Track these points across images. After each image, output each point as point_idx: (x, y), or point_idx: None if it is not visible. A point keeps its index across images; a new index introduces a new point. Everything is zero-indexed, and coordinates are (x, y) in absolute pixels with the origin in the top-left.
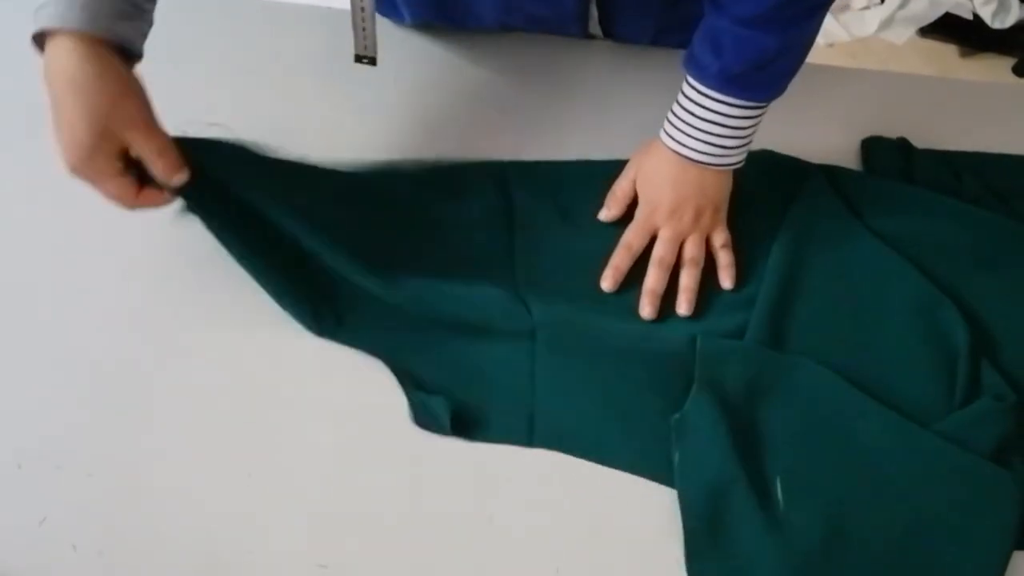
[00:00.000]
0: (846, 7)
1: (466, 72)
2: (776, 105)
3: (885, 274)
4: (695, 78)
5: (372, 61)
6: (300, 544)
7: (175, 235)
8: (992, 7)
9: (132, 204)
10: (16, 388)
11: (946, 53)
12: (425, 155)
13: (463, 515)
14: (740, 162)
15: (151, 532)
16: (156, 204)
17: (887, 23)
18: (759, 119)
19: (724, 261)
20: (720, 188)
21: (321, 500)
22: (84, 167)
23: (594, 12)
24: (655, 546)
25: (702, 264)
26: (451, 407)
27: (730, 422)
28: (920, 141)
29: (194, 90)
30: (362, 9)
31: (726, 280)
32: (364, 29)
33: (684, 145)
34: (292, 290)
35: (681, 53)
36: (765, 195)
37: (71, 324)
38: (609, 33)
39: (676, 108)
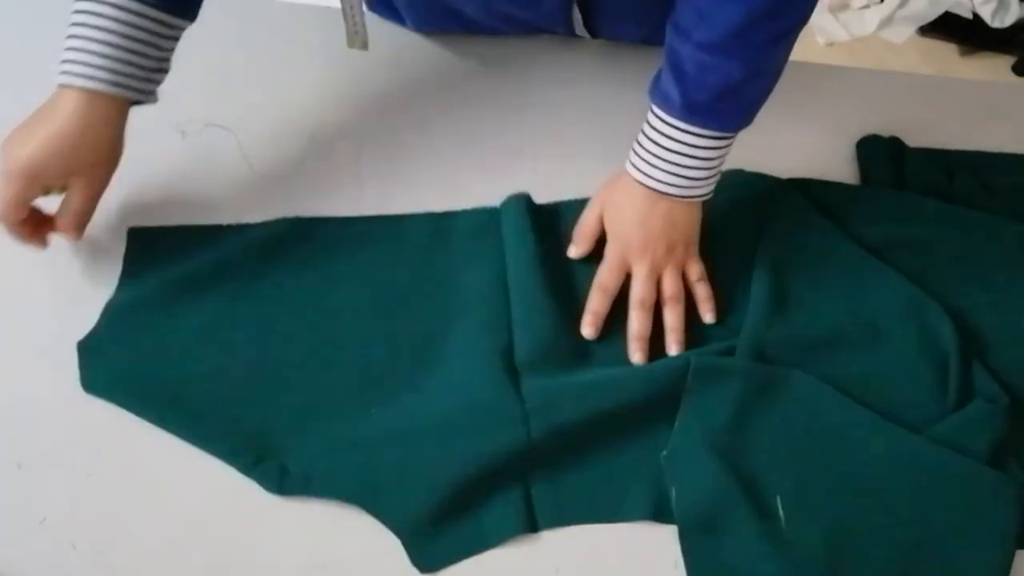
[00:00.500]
0: (845, 6)
1: (467, 73)
2: (775, 105)
3: (870, 281)
4: (660, 108)
5: (364, 46)
6: (300, 544)
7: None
8: (992, 6)
9: (8, 223)
10: (16, 388)
11: (946, 52)
12: (423, 153)
13: None
14: (709, 193)
15: (151, 532)
16: (21, 241)
17: (887, 22)
18: (728, 148)
19: (702, 294)
20: (691, 221)
21: (321, 500)
22: (22, 176)
23: (577, 16)
24: (655, 546)
25: (684, 300)
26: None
27: (722, 446)
28: (920, 140)
29: (193, 90)
30: None
31: (707, 314)
32: (353, 17)
33: (651, 177)
34: (250, 450)
35: None
36: (741, 215)
37: (71, 324)
38: (596, 35)
39: (642, 138)
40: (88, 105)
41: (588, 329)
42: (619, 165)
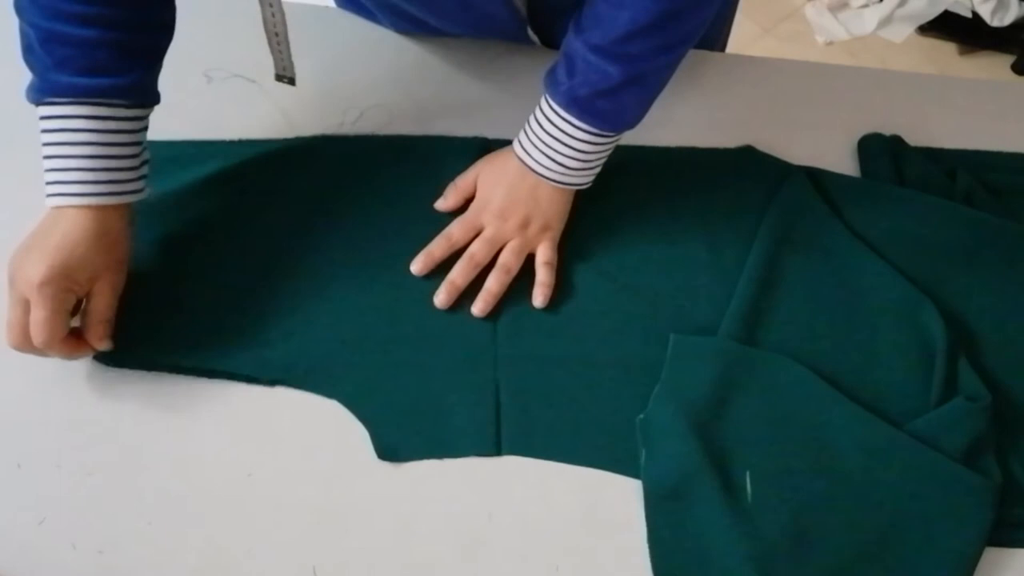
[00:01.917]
0: (845, 5)
1: (460, 76)
2: (775, 103)
3: (864, 274)
4: (548, 93)
5: (291, 81)
6: (300, 543)
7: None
8: (991, 5)
9: (56, 340)
10: (16, 388)
11: (945, 51)
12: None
13: (462, 513)
14: (581, 184)
15: (151, 532)
16: (70, 357)
17: (886, 21)
18: (604, 148)
19: (542, 278)
20: (554, 204)
21: (320, 500)
22: (51, 287)
23: (534, 35)
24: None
25: (514, 274)
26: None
27: (697, 418)
28: (919, 139)
29: (192, 91)
30: (276, 35)
31: (538, 297)
32: (280, 52)
33: (528, 154)
34: (237, 336)
35: None
36: (746, 193)
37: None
38: (551, 44)
39: (531, 119)
40: (91, 216)
41: (416, 266)
42: None
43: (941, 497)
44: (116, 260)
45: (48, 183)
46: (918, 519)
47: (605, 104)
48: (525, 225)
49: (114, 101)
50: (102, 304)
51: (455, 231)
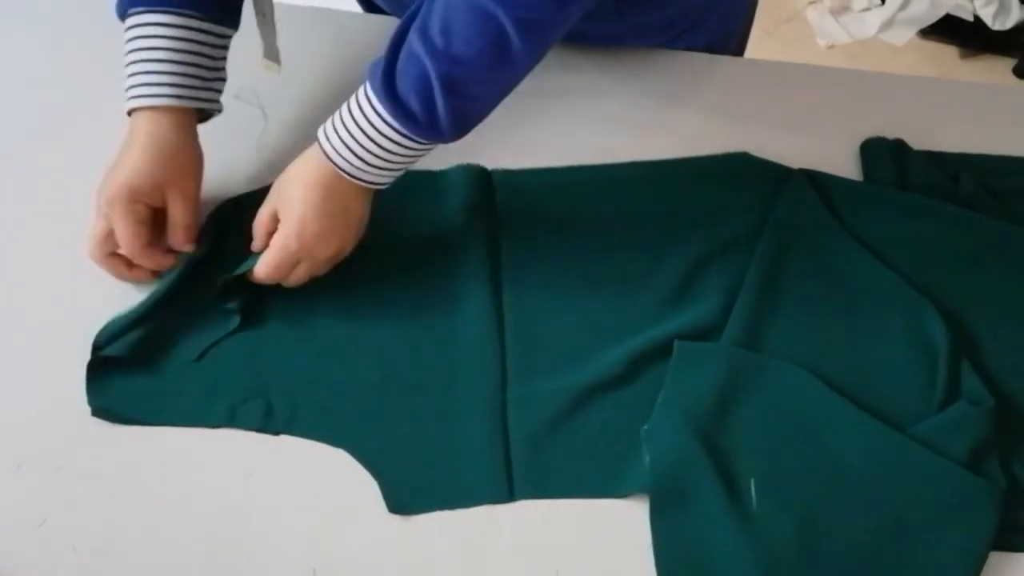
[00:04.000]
0: (846, 9)
1: None
2: (776, 106)
3: (866, 278)
4: (370, 76)
5: (277, 62)
6: (300, 544)
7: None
8: (993, 8)
9: (137, 252)
10: (16, 389)
11: (947, 54)
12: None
13: (462, 515)
14: (374, 184)
15: (151, 532)
16: (154, 264)
17: (887, 25)
18: (408, 155)
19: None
20: (362, 216)
21: (320, 500)
22: (119, 201)
23: None
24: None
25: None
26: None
27: (701, 424)
28: (920, 142)
29: None
30: (263, 15)
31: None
32: (267, 35)
33: (330, 142)
34: (237, 389)
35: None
36: (745, 198)
37: (71, 324)
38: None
39: (344, 107)
40: (157, 122)
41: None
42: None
43: (945, 501)
44: (181, 168)
45: (126, 88)
46: (922, 524)
47: (418, 102)
48: (340, 250)
49: (187, 12)
50: (177, 212)
51: (270, 275)
